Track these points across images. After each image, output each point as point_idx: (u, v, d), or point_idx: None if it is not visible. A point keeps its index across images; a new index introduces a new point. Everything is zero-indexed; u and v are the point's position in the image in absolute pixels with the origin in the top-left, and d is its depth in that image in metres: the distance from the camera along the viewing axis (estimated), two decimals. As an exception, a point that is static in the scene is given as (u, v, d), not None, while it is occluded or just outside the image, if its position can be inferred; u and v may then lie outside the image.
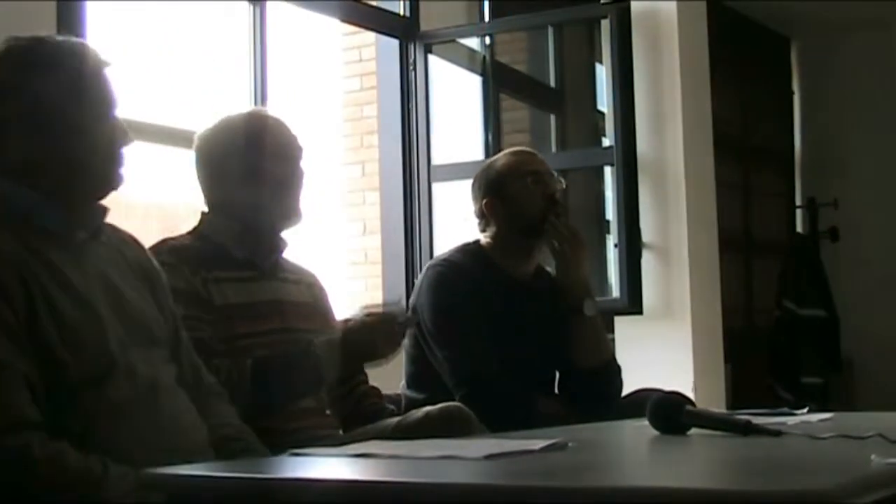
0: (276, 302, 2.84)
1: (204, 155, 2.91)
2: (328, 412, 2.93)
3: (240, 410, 2.49)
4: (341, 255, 6.67)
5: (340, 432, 2.90)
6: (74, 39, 2.24)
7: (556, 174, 3.49)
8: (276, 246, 2.93)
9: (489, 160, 3.65)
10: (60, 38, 2.21)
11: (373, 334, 2.77)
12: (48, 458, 1.91)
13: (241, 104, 3.03)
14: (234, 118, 2.92)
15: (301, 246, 3.12)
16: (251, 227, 2.86)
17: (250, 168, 2.84)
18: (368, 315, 2.79)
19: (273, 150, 2.87)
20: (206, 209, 2.92)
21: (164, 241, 2.80)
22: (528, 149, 3.79)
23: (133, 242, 2.38)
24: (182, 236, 2.87)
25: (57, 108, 2.11)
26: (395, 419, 2.85)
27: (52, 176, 2.12)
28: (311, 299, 2.97)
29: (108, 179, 2.20)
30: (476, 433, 2.66)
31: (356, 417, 2.97)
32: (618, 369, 3.47)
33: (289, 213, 2.89)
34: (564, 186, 3.51)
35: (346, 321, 2.81)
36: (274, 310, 2.82)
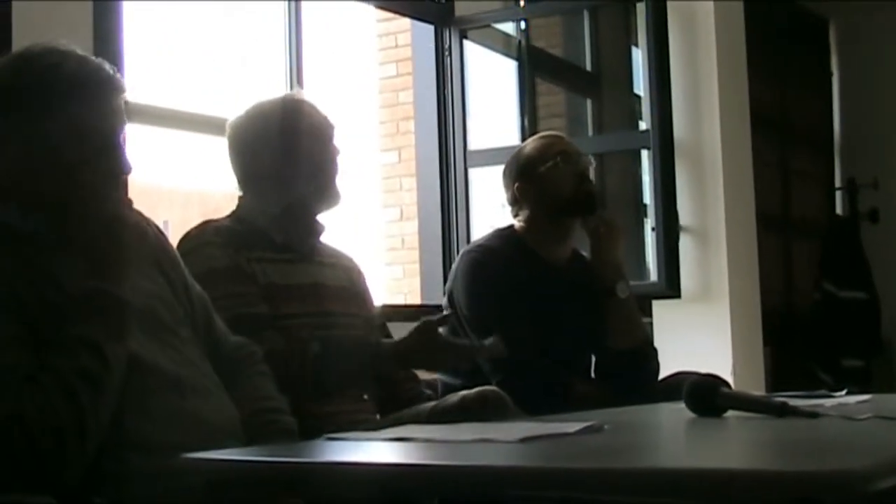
0: (315, 285, 2.86)
1: (237, 140, 2.92)
2: (366, 396, 2.94)
3: (294, 392, 2.49)
4: (379, 240, 6.70)
5: (377, 417, 2.92)
6: (93, 63, 2.16)
7: (584, 153, 3.50)
8: (314, 229, 2.94)
9: (518, 147, 3.66)
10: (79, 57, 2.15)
11: (427, 352, 2.77)
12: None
13: (277, 92, 3.03)
14: (264, 103, 2.94)
15: (339, 232, 3.13)
16: (288, 209, 2.87)
17: (284, 150, 2.85)
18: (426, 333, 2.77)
19: (305, 131, 2.88)
20: (242, 195, 2.94)
21: (205, 223, 2.82)
22: (555, 132, 3.80)
23: (143, 221, 2.32)
24: (222, 219, 2.88)
25: (64, 133, 2.08)
26: (431, 403, 2.87)
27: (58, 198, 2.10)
28: (348, 283, 2.98)
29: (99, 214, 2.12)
30: (512, 417, 2.66)
31: (394, 401, 2.98)
32: (654, 352, 3.47)
33: (326, 194, 2.90)
34: (594, 165, 3.52)
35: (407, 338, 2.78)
36: (313, 293, 2.84)
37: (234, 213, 2.92)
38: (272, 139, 2.86)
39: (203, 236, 2.74)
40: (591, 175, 3.49)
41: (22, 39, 3.05)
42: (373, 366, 2.76)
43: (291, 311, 2.77)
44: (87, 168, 2.10)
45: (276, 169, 2.85)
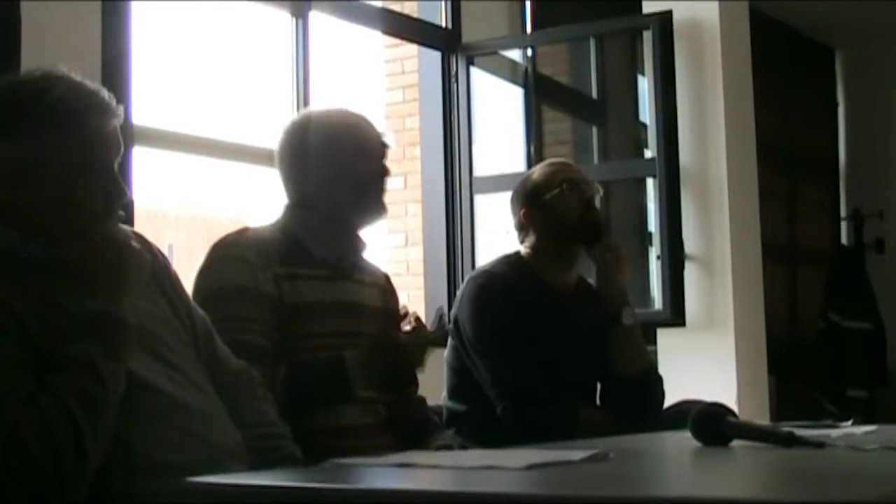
0: (349, 304, 2.84)
1: (288, 148, 2.90)
2: (384, 430, 2.90)
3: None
4: (384, 266, 6.69)
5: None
6: (85, 89, 2.13)
7: (591, 181, 3.50)
8: (355, 246, 2.93)
9: (526, 173, 3.66)
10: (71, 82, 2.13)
11: (398, 353, 2.75)
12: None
13: (284, 116, 3.03)
14: (321, 113, 2.94)
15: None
16: (332, 225, 2.85)
17: (337, 165, 2.84)
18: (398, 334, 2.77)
19: (359, 147, 2.87)
20: (288, 203, 2.91)
21: (244, 231, 2.81)
22: (563, 159, 3.81)
23: (141, 243, 2.28)
24: (263, 227, 2.86)
25: (56, 160, 2.07)
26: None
27: (52, 225, 2.09)
28: (381, 303, 2.97)
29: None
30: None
31: (405, 423, 2.96)
32: (658, 379, 3.47)
33: (370, 209, 2.89)
34: (601, 193, 3.52)
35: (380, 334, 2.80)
36: (346, 311, 2.82)
37: (277, 221, 2.88)
38: (324, 150, 2.84)
39: (235, 248, 2.71)
40: (598, 203, 3.48)
41: (30, 58, 3.06)
42: (348, 385, 2.73)
43: (320, 329, 2.75)
44: (77, 193, 2.08)
45: (324, 181, 2.84)
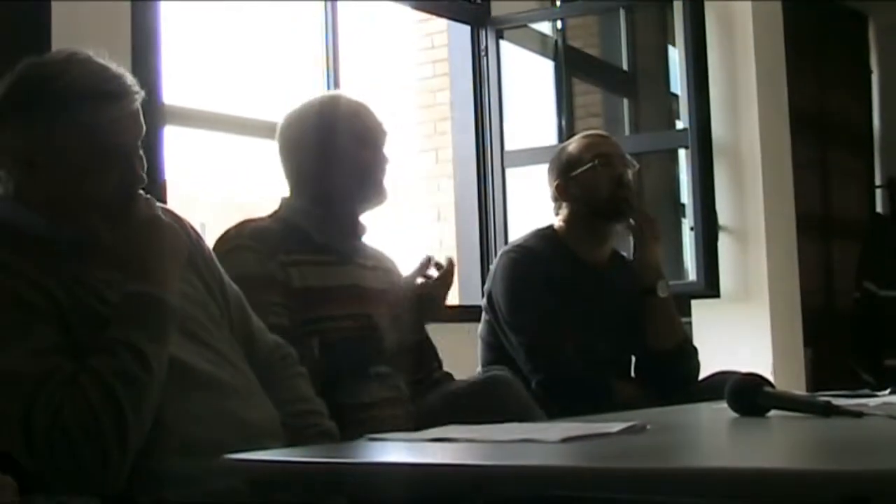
0: (354, 287, 2.85)
1: (287, 138, 2.91)
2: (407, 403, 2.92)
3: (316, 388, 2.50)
4: (416, 242, 6.70)
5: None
6: (105, 72, 2.12)
7: (627, 157, 3.48)
8: (356, 230, 2.93)
9: (562, 144, 3.64)
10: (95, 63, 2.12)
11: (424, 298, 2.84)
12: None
13: (315, 92, 3.02)
14: (319, 101, 2.93)
15: (376, 233, 3.13)
16: (332, 211, 2.87)
17: (334, 152, 2.84)
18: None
19: (357, 135, 2.87)
20: (286, 195, 2.93)
21: (245, 223, 2.81)
22: (600, 132, 3.78)
23: (175, 221, 2.28)
24: (262, 219, 2.87)
25: (67, 145, 2.06)
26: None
27: (70, 210, 2.09)
28: (388, 285, 2.97)
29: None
30: (518, 402, 2.68)
31: (422, 386, 2.97)
32: (693, 351, 3.46)
33: (371, 195, 2.89)
34: (637, 168, 3.50)
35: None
36: (352, 294, 2.83)
37: (275, 212, 2.91)
38: (322, 139, 2.85)
39: (238, 239, 2.72)
40: (632, 178, 3.46)
41: (61, 40, 3.07)
42: (381, 345, 2.78)
43: (328, 313, 2.76)
44: (90, 178, 2.07)
45: (322, 169, 2.85)
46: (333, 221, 2.88)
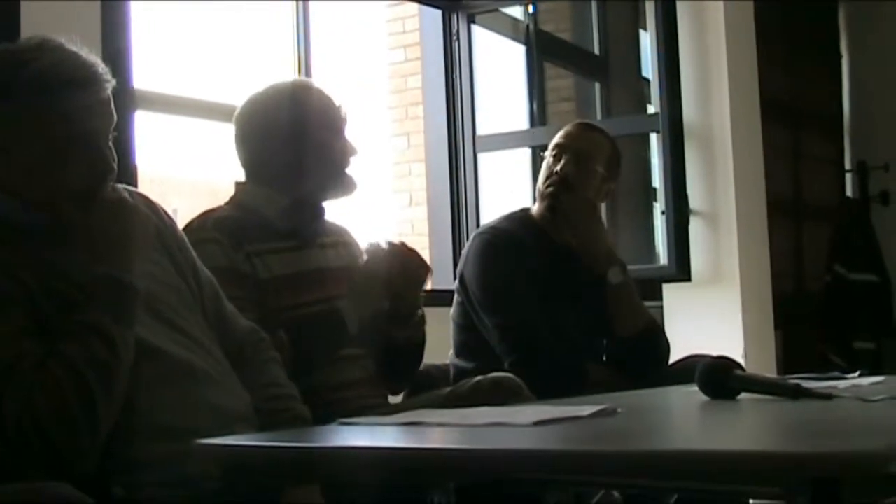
0: (319, 270, 2.84)
1: (245, 123, 2.89)
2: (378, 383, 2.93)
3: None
4: (388, 226, 6.69)
5: (393, 400, 2.91)
6: (74, 60, 2.11)
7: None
8: (317, 214, 2.92)
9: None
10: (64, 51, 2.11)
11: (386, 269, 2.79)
12: None
13: (285, 76, 3.00)
14: (276, 87, 2.91)
15: (349, 218, 3.12)
16: (295, 198, 2.85)
17: (294, 136, 2.82)
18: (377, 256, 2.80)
19: (316, 119, 2.85)
20: (241, 179, 2.91)
21: (206, 213, 2.79)
22: (588, 122, 3.79)
23: (146, 205, 2.28)
24: (221, 208, 2.85)
25: (36, 132, 2.06)
26: (447, 389, 2.86)
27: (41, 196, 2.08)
28: (348, 261, 2.95)
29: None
30: (526, 403, 2.66)
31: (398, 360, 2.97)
32: (660, 335, 3.44)
33: (337, 184, 2.88)
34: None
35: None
36: (317, 279, 2.82)
37: (233, 199, 2.88)
38: (282, 127, 2.83)
39: (202, 232, 2.68)
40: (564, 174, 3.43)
41: (30, 23, 3.04)
42: (344, 328, 2.75)
43: (295, 301, 2.75)
44: (67, 163, 2.07)
45: (285, 158, 2.82)
46: (298, 209, 2.85)
